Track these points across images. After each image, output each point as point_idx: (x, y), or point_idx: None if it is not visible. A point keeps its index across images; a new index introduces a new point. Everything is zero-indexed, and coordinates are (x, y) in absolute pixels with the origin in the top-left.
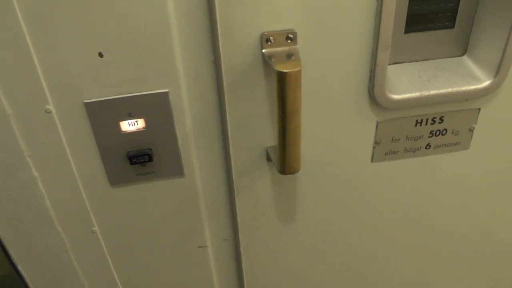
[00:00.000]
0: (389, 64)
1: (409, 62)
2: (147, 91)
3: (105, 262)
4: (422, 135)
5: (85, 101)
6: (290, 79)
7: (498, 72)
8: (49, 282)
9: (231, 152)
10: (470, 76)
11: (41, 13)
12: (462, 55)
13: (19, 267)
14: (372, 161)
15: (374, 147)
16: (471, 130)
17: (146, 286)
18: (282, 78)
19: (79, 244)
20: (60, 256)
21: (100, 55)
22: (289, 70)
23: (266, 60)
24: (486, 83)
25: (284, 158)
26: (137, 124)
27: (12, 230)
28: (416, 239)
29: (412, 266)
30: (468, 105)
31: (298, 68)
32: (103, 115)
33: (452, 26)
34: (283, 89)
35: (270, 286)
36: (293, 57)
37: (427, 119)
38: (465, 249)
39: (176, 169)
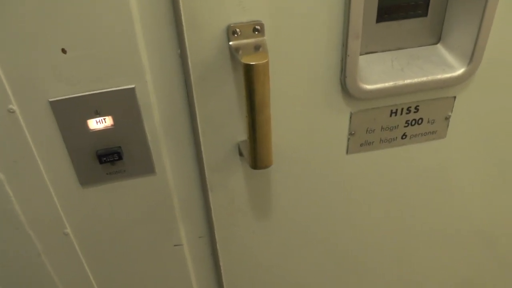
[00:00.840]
0: (362, 54)
1: (382, 51)
2: (113, 87)
3: (79, 264)
4: (398, 125)
5: (50, 99)
6: (257, 71)
7: (472, 59)
8: (23, 287)
9: (202, 148)
10: (444, 64)
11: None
12: (436, 43)
13: None
14: (347, 153)
15: (348, 139)
16: (447, 118)
17: (123, 287)
18: (249, 70)
19: (52, 247)
20: (33, 260)
21: (63, 51)
22: (256, 62)
23: (233, 53)
24: (461, 70)
25: (255, 152)
26: (105, 121)
27: None
28: (395, 230)
29: (392, 257)
30: (443, 93)
31: (265, 60)
32: (69, 114)
33: (425, 14)
34: (251, 82)
35: (249, 282)
36: (260, 49)
37: (402, 109)
38: (445, 237)
39: (146, 167)
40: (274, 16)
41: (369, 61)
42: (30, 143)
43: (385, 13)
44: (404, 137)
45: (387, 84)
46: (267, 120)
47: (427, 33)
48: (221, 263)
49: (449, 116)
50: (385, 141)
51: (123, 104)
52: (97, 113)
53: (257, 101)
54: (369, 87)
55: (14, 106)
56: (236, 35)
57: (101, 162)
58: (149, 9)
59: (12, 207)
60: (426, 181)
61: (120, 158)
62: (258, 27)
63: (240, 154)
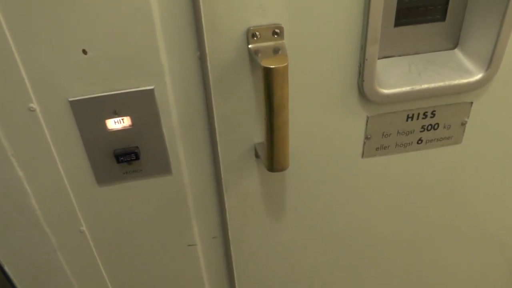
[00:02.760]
0: (379, 58)
1: (399, 56)
2: (132, 88)
3: (94, 262)
4: (414, 130)
5: (70, 99)
6: (277, 74)
7: (490, 65)
8: (38, 283)
9: (219, 149)
10: (462, 70)
11: (23, 10)
12: (454, 48)
13: (6, 268)
14: (362, 156)
15: (364, 143)
16: (463, 124)
17: (136, 286)
18: (268, 74)
19: (67, 244)
20: (48, 256)
21: (84, 52)
22: (275, 66)
23: (253, 56)
24: (478, 76)
25: (272, 155)
26: (123, 122)
27: None
28: (408, 235)
29: (404, 260)
30: (460, 98)
31: (285, 64)
32: (88, 113)
33: (443, 19)
34: (270, 85)
35: (261, 283)
36: (280, 52)
37: (419, 114)
38: (459, 243)
39: (163, 167)
40: (294, 19)
41: (386, 65)
42: (49, 142)
43: (403, 18)
44: (419, 142)
45: (404, 89)
46: (285, 122)
47: (445, 38)
48: (233, 264)
49: (466, 122)
50: (401, 145)
51: (141, 105)
52: (115, 113)
53: (276, 103)
54: (386, 91)
55: (34, 105)
56: (255, 38)
57: (118, 161)
58: (170, 12)
59: (30, 203)
60: (441, 186)
61: (137, 158)
62: (277, 30)
63: (256, 155)
